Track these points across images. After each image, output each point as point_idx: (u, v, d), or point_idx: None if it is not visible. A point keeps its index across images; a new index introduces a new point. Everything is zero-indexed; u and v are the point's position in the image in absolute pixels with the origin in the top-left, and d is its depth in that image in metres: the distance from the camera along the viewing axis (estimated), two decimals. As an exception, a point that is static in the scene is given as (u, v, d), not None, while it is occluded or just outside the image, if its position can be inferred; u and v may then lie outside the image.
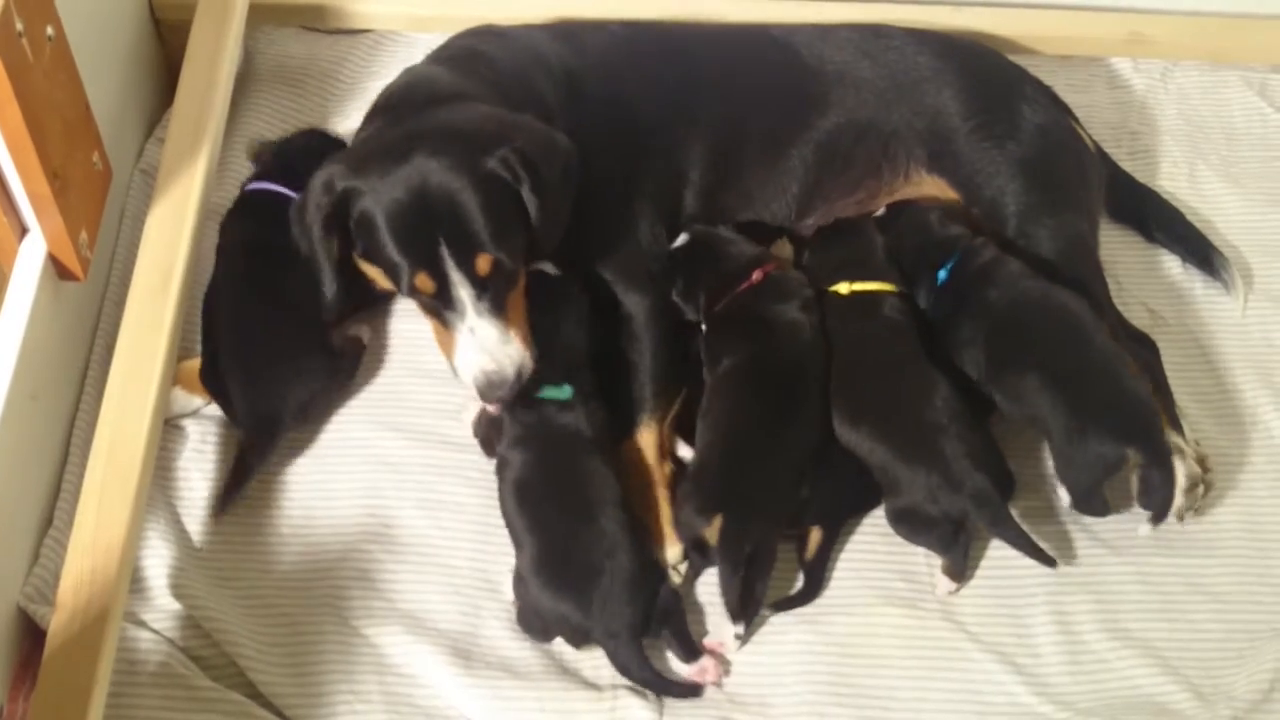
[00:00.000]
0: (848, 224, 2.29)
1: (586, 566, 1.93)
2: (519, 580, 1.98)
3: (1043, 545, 2.01)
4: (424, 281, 1.94)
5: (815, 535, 2.04)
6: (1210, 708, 1.95)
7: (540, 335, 2.05)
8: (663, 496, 2.08)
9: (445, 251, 1.93)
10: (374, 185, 1.95)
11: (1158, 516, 2.02)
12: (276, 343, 2.16)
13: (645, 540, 2.00)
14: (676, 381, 2.15)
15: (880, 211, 2.29)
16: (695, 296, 2.19)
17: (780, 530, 2.02)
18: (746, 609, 1.97)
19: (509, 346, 1.97)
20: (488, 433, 2.12)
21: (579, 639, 1.96)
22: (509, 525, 2.01)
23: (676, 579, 2.04)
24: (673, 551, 2.05)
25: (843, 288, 2.16)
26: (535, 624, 1.98)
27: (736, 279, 2.17)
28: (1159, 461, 1.99)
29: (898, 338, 2.12)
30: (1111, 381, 2.02)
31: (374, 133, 2.08)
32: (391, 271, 1.97)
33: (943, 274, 2.15)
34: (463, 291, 1.95)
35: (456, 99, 2.08)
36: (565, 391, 2.04)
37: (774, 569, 2.02)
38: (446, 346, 2.03)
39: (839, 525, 2.08)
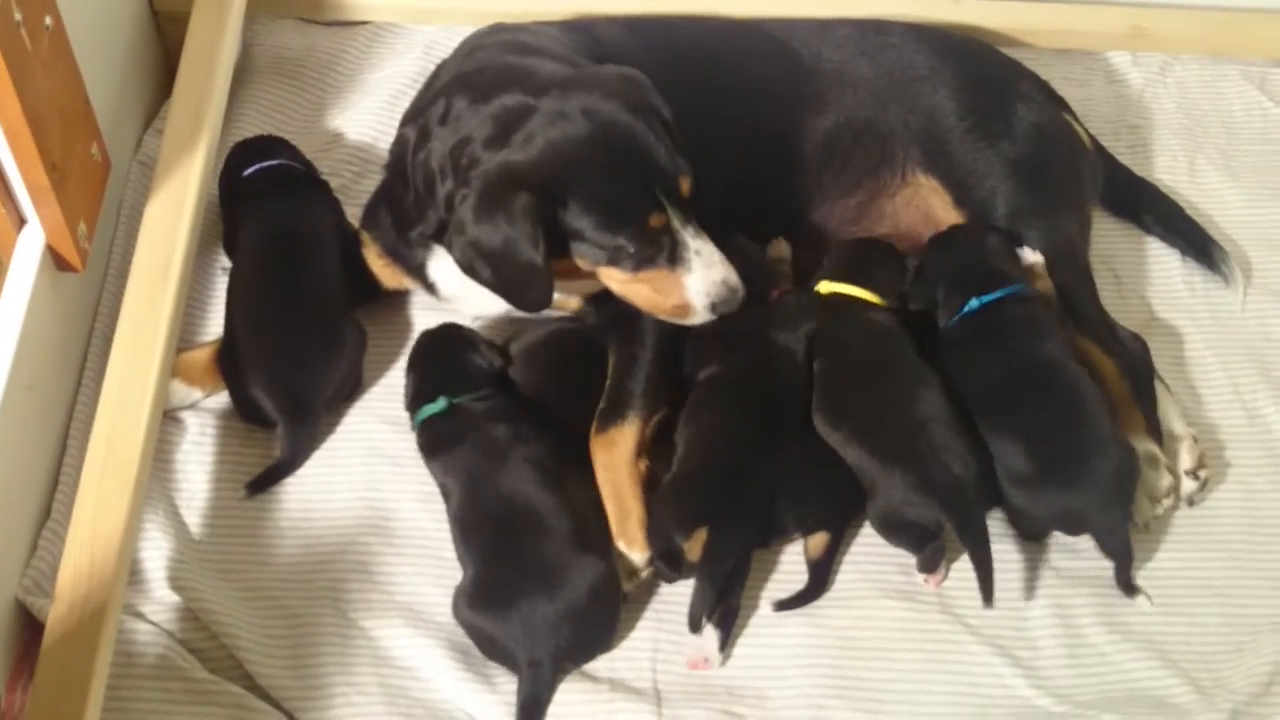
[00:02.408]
0: (864, 239, 2.28)
1: (522, 588, 1.91)
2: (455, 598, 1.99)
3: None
4: (657, 220, 1.95)
5: (821, 538, 2.04)
6: (1209, 701, 1.95)
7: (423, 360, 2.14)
8: (635, 496, 2.05)
9: (657, 191, 1.95)
10: (566, 163, 1.92)
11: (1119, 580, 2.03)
12: (304, 328, 2.16)
13: (600, 560, 1.96)
14: (668, 385, 2.14)
15: (940, 231, 2.27)
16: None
17: (753, 545, 2.02)
18: (725, 620, 1.98)
19: (723, 256, 2.01)
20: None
21: (507, 662, 1.95)
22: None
23: (631, 585, 2.02)
24: (641, 555, 2.02)
25: (822, 287, 2.16)
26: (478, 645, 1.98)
27: (753, 299, 2.14)
28: (1111, 545, 2.01)
29: (881, 343, 2.12)
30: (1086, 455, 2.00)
31: (490, 119, 1.97)
32: (612, 242, 1.95)
33: (975, 303, 2.13)
34: (676, 222, 1.97)
35: (531, 73, 2.04)
36: (439, 404, 2.08)
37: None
38: (664, 291, 2.01)
39: (844, 527, 2.07)
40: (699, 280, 2.00)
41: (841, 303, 2.16)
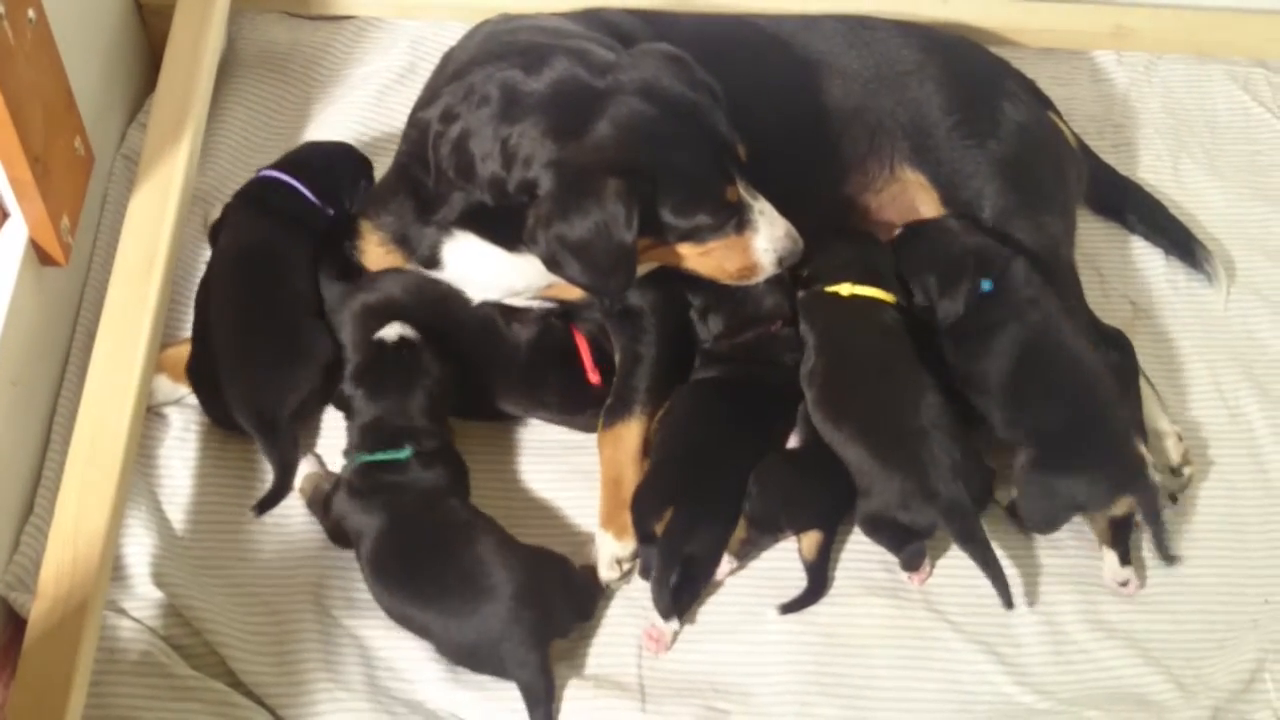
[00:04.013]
0: (856, 232, 2.27)
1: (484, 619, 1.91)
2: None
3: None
4: (732, 193, 1.98)
5: (815, 537, 2.04)
6: (1191, 698, 1.96)
7: (382, 403, 2.06)
8: (632, 490, 2.07)
9: (726, 162, 1.96)
10: (647, 143, 1.91)
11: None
12: (276, 342, 2.13)
13: (526, 556, 1.96)
14: (671, 384, 2.15)
15: (898, 231, 2.27)
16: (710, 324, 2.18)
17: (722, 533, 2.03)
18: (681, 605, 1.99)
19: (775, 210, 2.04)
20: (315, 495, 2.09)
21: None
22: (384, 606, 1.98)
23: (615, 573, 2.03)
24: (627, 546, 2.04)
25: (844, 289, 2.15)
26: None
27: (756, 324, 2.16)
28: (1151, 509, 2.02)
29: (892, 344, 2.12)
30: (1110, 432, 2.03)
31: (547, 103, 1.92)
32: (692, 220, 1.96)
33: (988, 284, 2.12)
34: (741, 187, 1.99)
35: (583, 53, 2.00)
36: (404, 452, 2.03)
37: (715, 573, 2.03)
38: (732, 256, 2.02)
39: (836, 525, 2.07)
40: (765, 239, 2.01)
41: (860, 304, 2.15)
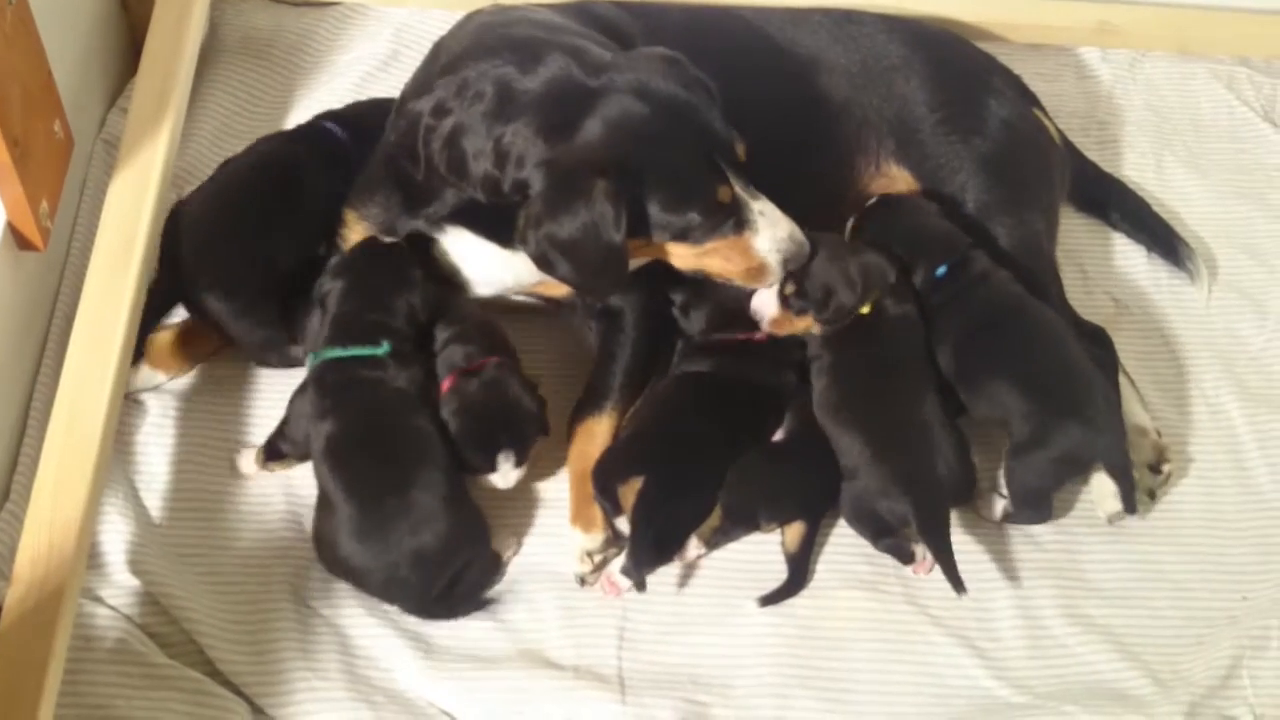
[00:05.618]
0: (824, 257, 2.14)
1: (392, 535, 1.92)
2: (324, 538, 1.97)
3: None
4: (725, 193, 1.95)
5: (798, 528, 2.05)
6: (1169, 693, 1.97)
7: (363, 299, 2.06)
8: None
9: (719, 160, 1.95)
10: (636, 143, 1.90)
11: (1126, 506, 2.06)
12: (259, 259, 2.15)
13: (464, 513, 1.98)
14: (645, 381, 2.15)
15: (871, 200, 2.26)
16: (692, 320, 2.17)
17: (691, 527, 2.03)
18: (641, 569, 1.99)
19: (781, 212, 2.02)
20: (275, 441, 2.09)
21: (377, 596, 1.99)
22: (321, 486, 1.99)
23: (587, 566, 2.03)
24: (596, 539, 2.04)
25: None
26: (337, 571, 1.99)
27: (738, 320, 2.13)
28: (1121, 472, 2.04)
29: (904, 337, 2.10)
30: (1083, 388, 2.04)
31: (541, 102, 1.92)
32: (683, 219, 1.94)
33: (943, 269, 2.13)
34: (739, 187, 1.97)
35: (579, 51, 1.99)
36: (382, 348, 2.02)
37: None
38: (735, 257, 2.01)
39: (820, 518, 2.07)
40: (768, 239, 2.00)
41: (858, 320, 2.12)
